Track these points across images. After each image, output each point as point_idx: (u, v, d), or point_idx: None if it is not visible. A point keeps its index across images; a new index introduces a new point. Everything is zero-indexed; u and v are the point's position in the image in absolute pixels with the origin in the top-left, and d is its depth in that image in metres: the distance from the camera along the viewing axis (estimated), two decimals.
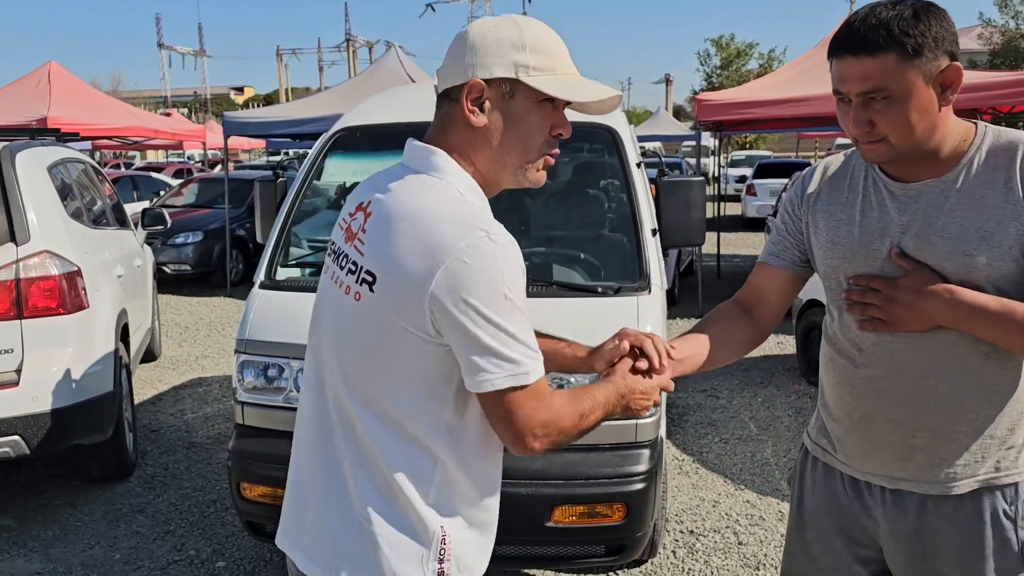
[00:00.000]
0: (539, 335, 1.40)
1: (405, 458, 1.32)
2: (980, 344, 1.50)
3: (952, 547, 1.57)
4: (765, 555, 3.63)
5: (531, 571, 3.45)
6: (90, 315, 4.06)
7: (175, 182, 15.41)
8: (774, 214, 8.66)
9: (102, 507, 4.19)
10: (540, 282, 2.99)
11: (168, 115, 22.61)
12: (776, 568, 3.48)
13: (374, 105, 3.97)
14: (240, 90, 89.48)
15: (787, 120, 9.32)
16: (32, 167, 4.19)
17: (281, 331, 3.01)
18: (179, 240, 10.39)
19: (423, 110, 3.89)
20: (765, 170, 17.71)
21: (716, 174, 19.14)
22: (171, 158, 32.94)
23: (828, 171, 1.71)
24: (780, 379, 6.27)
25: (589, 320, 2.78)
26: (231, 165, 21.85)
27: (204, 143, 18.01)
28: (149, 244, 6.91)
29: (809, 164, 10.85)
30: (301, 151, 26.95)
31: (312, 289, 3.27)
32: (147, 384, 6.34)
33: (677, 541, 3.76)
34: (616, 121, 3.52)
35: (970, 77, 8.55)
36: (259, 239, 3.63)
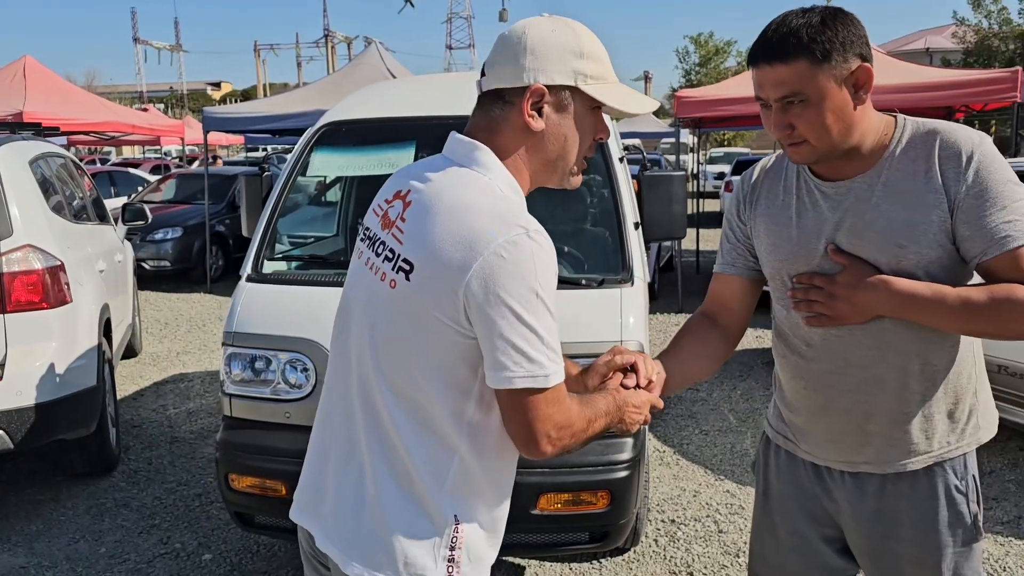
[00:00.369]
0: None
1: (425, 446, 1.33)
2: (919, 329, 1.57)
3: (910, 525, 1.66)
4: (745, 543, 3.70)
5: (515, 560, 3.50)
6: (73, 309, 4.05)
7: (153, 178, 15.27)
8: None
9: (86, 502, 4.19)
10: None
11: (145, 110, 22.37)
12: None
13: (358, 100, 3.97)
14: (217, 85, 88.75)
15: None
16: (14, 161, 4.17)
17: (268, 324, 3.03)
18: (158, 236, 10.32)
19: (407, 105, 3.94)
20: (743, 167, 17.86)
21: (695, 171, 19.27)
22: (148, 154, 32.57)
23: (764, 175, 1.78)
24: (759, 372, 6.36)
25: (573, 311, 2.82)
26: (219, 161, 21.75)
27: (183, 139, 17.88)
28: (128, 240, 6.87)
29: None
30: (280, 147, 26.83)
31: (298, 282, 3.33)
32: (128, 380, 6.31)
33: (659, 530, 3.83)
34: None
35: (943, 75, 8.72)
36: (245, 233, 3.65)
